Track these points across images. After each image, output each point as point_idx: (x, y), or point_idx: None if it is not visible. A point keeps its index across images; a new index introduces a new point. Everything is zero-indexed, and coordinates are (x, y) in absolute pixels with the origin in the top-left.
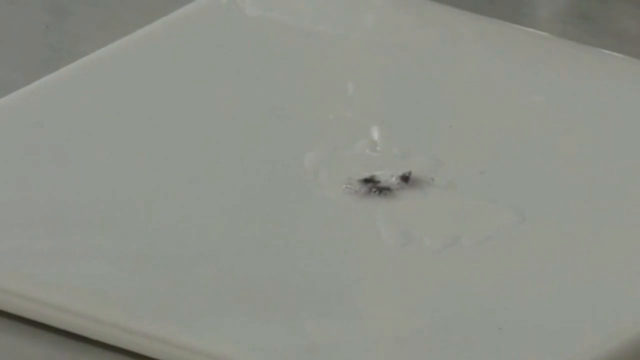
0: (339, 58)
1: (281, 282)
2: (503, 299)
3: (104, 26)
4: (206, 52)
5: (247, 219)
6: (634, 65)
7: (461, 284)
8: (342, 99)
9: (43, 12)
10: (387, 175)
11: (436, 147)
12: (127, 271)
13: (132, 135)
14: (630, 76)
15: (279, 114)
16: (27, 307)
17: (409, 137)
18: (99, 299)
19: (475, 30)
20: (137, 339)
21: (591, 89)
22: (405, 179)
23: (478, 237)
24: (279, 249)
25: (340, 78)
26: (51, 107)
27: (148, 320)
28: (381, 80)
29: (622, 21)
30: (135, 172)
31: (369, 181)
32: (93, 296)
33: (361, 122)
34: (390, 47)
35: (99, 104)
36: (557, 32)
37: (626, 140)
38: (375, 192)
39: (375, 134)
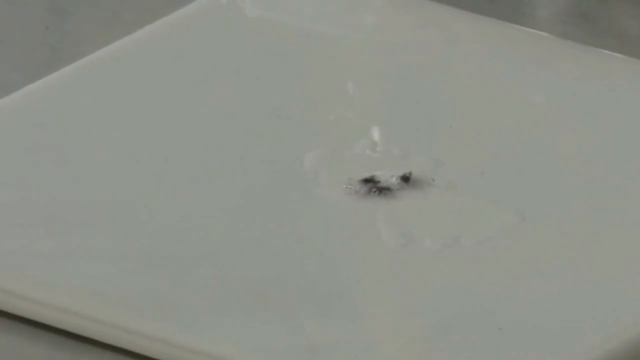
0: (339, 58)
1: (281, 282)
2: (503, 299)
3: (104, 26)
4: (206, 52)
5: (248, 219)
6: (634, 65)
7: (461, 284)
8: (342, 99)
9: (43, 13)
10: (388, 176)
11: (436, 147)
12: (127, 271)
13: (133, 136)
14: (630, 76)
15: (279, 114)
16: (27, 307)
17: (409, 137)
18: (99, 299)
19: (475, 30)
20: (137, 339)
21: (591, 89)
22: (405, 179)
23: (478, 237)
24: (279, 249)
25: (340, 78)
26: (51, 107)
27: (148, 320)
28: (381, 81)
29: (622, 21)
30: (135, 172)
31: (369, 181)
32: (93, 296)
33: (361, 122)
34: (390, 47)
35: (100, 104)
36: (557, 33)
37: (626, 140)
38: (375, 192)
39: (376, 134)
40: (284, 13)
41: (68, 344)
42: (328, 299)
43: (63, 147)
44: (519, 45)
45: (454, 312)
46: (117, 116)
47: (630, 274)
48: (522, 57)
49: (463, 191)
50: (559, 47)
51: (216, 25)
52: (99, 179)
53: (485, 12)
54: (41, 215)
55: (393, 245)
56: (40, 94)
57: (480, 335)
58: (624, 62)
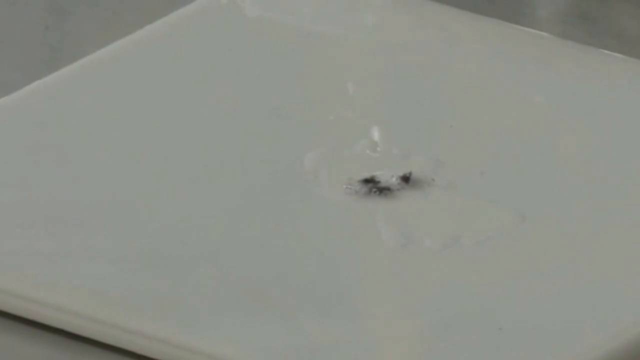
0: (339, 58)
1: (281, 282)
2: (503, 299)
3: (104, 26)
4: (206, 52)
5: (248, 219)
6: (634, 65)
7: (461, 284)
8: (342, 99)
9: (43, 13)
10: (388, 176)
11: (436, 147)
12: (127, 271)
13: (133, 136)
14: (630, 76)
15: (279, 114)
16: (27, 307)
17: (410, 137)
18: (99, 299)
19: (475, 30)
20: (137, 339)
21: (591, 89)
22: (405, 179)
23: (478, 237)
24: (279, 249)
25: (340, 78)
26: (52, 107)
27: (148, 321)
28: (381, 81)
29: (622, 21)
30: (135, 172)
31: (370, 181)
32: (93, 296)
33: (361, 122)
34: (390, 47)
35: (100, 104)
36: (557, 33)
37: (626, 140)
38: (375, 192)
39: (376, 134)
40: (284, 13)
41: (68, 344)
42: (328, 299)
43: (63, 147)
44: (519, 45)
45: (454, 312)
46: (117, 116)
47: (630, 274)
48: (522, 57)
49: (463, 191)
50: (559, 47)
51: (216, 25)
52: (99, 179)
53: (485, 12)
54: (41, 215)
55: (393, 245)
56: (40, 94)
57: (480, 335)
58: (624, 62)
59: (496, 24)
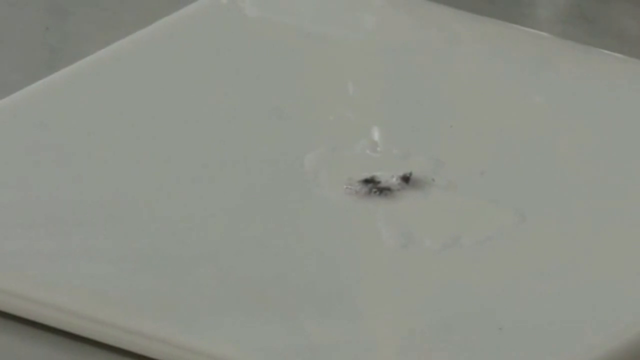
0: (339, 58)
1: (282, 282)
2: (503, 299)
3: (105, 27)
4: (207, 52)
5: (248, 219)
6: (634, 65)
7: (461, 284)
8: (342, 99)
9: (43, 13)
10: (388, 176)
11: (436, 147)
12: (127, 271)
13: (133, 136)
14: (630, 76)
15: (279, 114)
16: (27, 308)
17: (410, 137)
18: (99, 299)
19: (475, 30)
20: (137, 339)
21: (591, 89)
22: (405, 179)
23: (478, 237)
24: (279, 249)
25: (340, 78)
26: (52, 107)
27: (148, 321)
28: (381, 81)
29: (622, 21)
30: (136, 173)
31: (370, 181)
32: (93, 296)
33: (361, 122)
34: (390, 47)
35: (100, 105)
36: (557, 33)
37: (626, 140)
38: (375, 192)
39: (376, 135)
40: (284, 13)
41: (68, 345)
42: (328, 299)
43: (63, 147)
44: (519, 45)
45: (454, 312)
46: (117, 116)
47: (630, 274)
48: (522, 57)
49: (463, 191)
50: (559, 47)
51: (216, 25)
52: (100, 179)
53: (485, 12)
54: (41, 216)
55: (393, 246)
56: (40, 95)
57: (480, 335)
58: (624, 62)
59: (496, 24)
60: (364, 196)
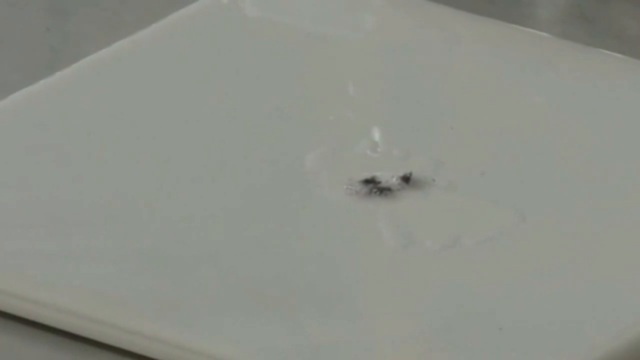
0: (340, 59)
1: (282, 282)
2: (503, 299)
3: (105, 27)
4: (207, 52)
5: (249, 219)
6: (634, 65)
7: (462, 284)
8: (342, 99)
9: (44, 13)
10: (388, 176)
11: (437, 147)
12: (127, 271)
13: (134, 136)
14: (630, 76)
15: (280, 114)
16: (28, 308)
17: (410, 137)
18: (99, 299)
19: (475, 30)
20: (137, 339)
21: (591, 89)
22: (406, 179)
23: (479, 237)
24: (280, 249)
25: (340, 79)
26: (52, 108)
27: (148, 321)
28: (381, 81)
29: (622, 21)
30: (136, 173)
31: (370, 182)
32: (93, 297)
33: (362, 122)
34: (391, 47)
35: (101, 105)
36: (557, 33)
37: (626, 140)
38: (376, 192)
39: (376, 135)
40: (284, 13)
41: (68, 345)
42: (329, 299)
43: (64, 147)
44: (519, 45)
45: (454, 312)
46: (118, 117)
47: (630, 274)
48: (522, 57)
49: (463, 191)
50: (559, 47)
51: (217, 25)
52: (100, 179)
53: (485, 12)
54: (41, 216)
55: (393, 246)
56: (41, 95)
57: (480, 335)
58: (624, 62)
59: (496, 24)
60: (364, 196)
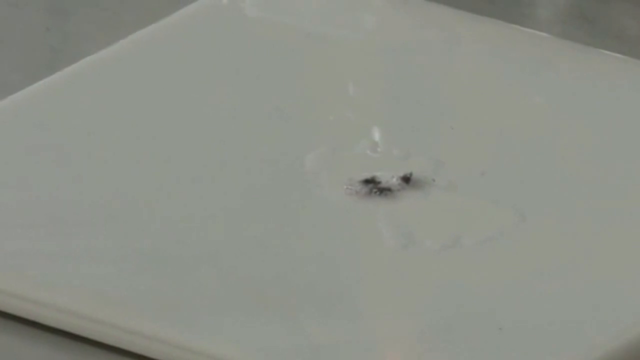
0: (340, 59)
1: (282, 282)
2: (503, 299)
3: (105, 27)
4: (207, 52)
5: (249, 219)
6: (634, 65)
7: (461, 284)
8: (342, 99)
9: (44, 14)
10: (388, 176)
11: (437, 147)
12: (127, 271)
13: (134, 136)
14: (630, 76)
15: (280, 114)
16: (28, 308)
17: (410, 137)
18: (99, 299)
19: (475, 30)
20: (137, 339)
21: (591, 89)
22: (406, 179)
23: (479, 237)
24: (280, 249)
25: (340, 79)
26: (53, 108)
27: (148, 321)
28: (381, 81)
29: (622, 21)
30: (136, 173)
31: (370, 182)
32: (93, 297)
33: (362, 122)
34: (391, 47)
35: (101, 105)
36: (557, 33)
37: (626, 140)
38: (376, 192)
39: (376, 135)
40: (284, 13)
41: (68, 345)
42: (329, 299)
43: (64, 147)
44: (519, 45)
45: (454, 312)
46: (118, 117)
47: (630, 274)
48: (522, 57)
49: (463, 191)
50: (559, 47)
51: (217, 25)
52: (100, 179)
53: (485, 12)
54: (41, 216)
55: (393, 246)
56: (41, 95)
57: (480, 335)
58: (624, 62)
59: (496, 24)
60: (364, 196)
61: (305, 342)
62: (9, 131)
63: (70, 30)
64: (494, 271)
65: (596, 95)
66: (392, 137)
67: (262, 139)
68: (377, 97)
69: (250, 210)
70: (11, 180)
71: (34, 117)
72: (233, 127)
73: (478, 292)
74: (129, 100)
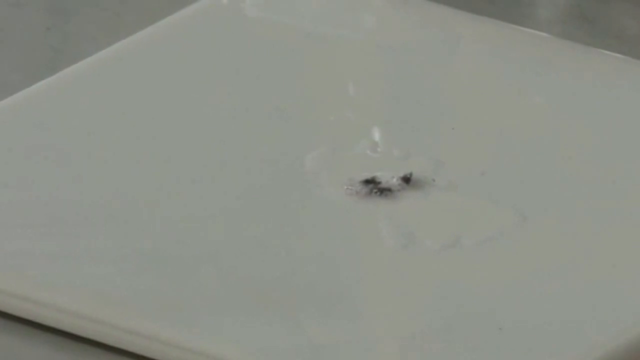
0: (340, 59)
1: (282, 282)
2: (503, 299)
3: (106, 27)
4: (207, 53)
5: (249, 219)
6: (634, 65)
7: (461, 284)
8: (343, 99)
9: (44, 14)
10: (388, 176)
11: (437, 147)
12: (127, 272)
13: (134, 137)
14: (630, 76)
15: (280, 114)
16: (28, 308)
17: (410, 137)
18: (100, 299)
19: (475, 30)
20: (137, 339)
21: (591, 89)
22: (406, 179)
23: (479, 237)
24: (280, 249)
25: (341, 79)
26: (53, 108)
27: (149, 321)
28: (382, 81)
29: (622, 21)
30: (137, 173)
31: (370, 182)
32: (94, 297)
33: (362, 123)
34: (391, 47)
35: (101, 105)
36: (557, 33)
37: (626, 141)
38: (376, 193)
39: (376, 135)
40: (284, 13)
41: (68, 345)
42: (329, 300)
43: (64, 148)
44: (519, 45)
45: (454, 312)
46: (118, 117)
47: (630, 274)
48: (522, 57)
49: (463, 191)
50: (559, 47)
51: (217, 26)
52: (100, 179)
53: (485, 12)
54: (41, 216)
55: (394, 246)
56: (41, 95)
57: (480, 335)
58: (624, 62)
59: (496, 24)
60: (364, 197)
61: (306, 342)
62: (9, 131)
63: (70, 31)
64: (494, 271)
65: (596, 95)
66: (392, 137)
67: (262, 139)
68: (377, 97)
69: (251, 210)
70: (11, 180)
71: (34, 117)
72: (233, 127)
73: (478, 292)
74: (129, 101)
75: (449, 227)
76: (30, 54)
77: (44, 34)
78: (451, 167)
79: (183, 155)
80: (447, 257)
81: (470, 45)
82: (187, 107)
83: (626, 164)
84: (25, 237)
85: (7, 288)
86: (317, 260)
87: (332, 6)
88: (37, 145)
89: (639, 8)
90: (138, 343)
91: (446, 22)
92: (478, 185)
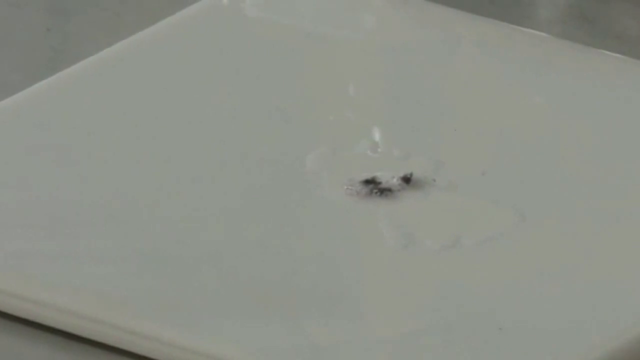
0: (340, 59)
1: (283, 283)
2: (503, 299)
3: (106, 28)
4: (208, 53)
5: (249, 219)
6: (634, 65)
7: (462, 284)
8: (343, 100)
9: (44, 14)
10: (389, 176)
11: (437, 148)
12: (128, 272)
13: (135, 137)
14: (630, 77)
15: (280, 114)
16: (28, 308)
17: (410, 138)
18: (100, 299)
19: (475, 31)
20: (137, 339)
21: (591, 89)
22: (406, 180)
23: (479, 237)
24: (280, 249)
25: (341, 79)
26: (53, 108)
27: (149, 321)
28: (382, 81)
29: (622, 22)
30: (137, 173)
31: (370, 182)
32: (94, 297)
33: (362, 123)
34: (391, 48)
35: (102, 106)
36: (557, 33)
37: (626, 141)
38: (376, 193)
39: (377, 135)
40: (284, 14)
41: (68, 345)
42: (329, 300)
43: (64, 148)
44: (519, 45)
45: (454, 312)
46: (118, 117)
47: (630, 274)
48: (522, 57)
49: (464, 191)
50: (559, 48)
51: (217, 26)
52: (100, 179)
53: (485, 12)
54: (42, 216)
55: (394, 246)
56: (41, 95)
57: (480, 335)
58: (624, 63)
59: (496, 25)
60: (364, 197)
61: (306, 342)
62: (9, 131)
63: (70, 31)
64: (494, 271)
65: (596, 95)
66: (392, 137)
67: (263, 139)
68: (377, 97)
69: (251, 210)
70: (11, 180)
71: (35, 117)
72: (233, 127)
73: (478, 292)
74: (129, 101)
75: (449, 227)
76: (30, 54)
77: (44, 34)
78: (451, 167)
79: (183, 155)
80: (447, 257)
81: (470, 45)
82: (187, 107)
83: (626, 164)
84: (25, 237)
85: (7, 288)
86: (317, 260)
87: (332, 6)
88: (37, 145)
89: (639, 8)
90: (138, 343)
91: (446, 22)
92: (478, 186)
